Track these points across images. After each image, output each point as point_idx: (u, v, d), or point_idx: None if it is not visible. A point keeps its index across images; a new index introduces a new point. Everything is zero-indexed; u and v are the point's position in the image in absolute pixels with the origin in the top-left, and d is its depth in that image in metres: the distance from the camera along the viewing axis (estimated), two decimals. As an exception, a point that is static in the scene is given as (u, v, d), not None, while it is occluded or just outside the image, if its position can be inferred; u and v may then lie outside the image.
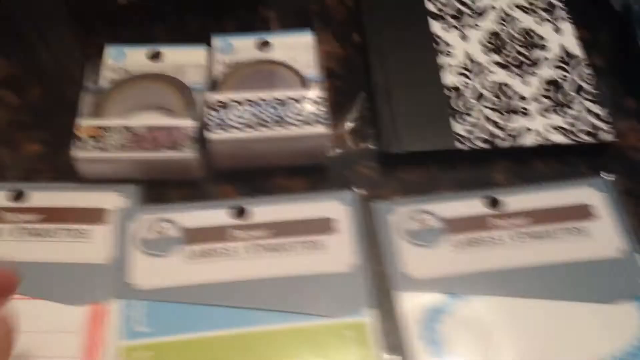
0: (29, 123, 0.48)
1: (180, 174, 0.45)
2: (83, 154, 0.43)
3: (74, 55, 0.52)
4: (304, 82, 0.47)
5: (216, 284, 0.41)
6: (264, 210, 0.44)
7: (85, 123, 0.44)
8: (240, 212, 0.44)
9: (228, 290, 0.41)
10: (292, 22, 0.54)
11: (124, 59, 0.49)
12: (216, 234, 0.43)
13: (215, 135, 0.44)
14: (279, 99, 0.45)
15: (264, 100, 0.45)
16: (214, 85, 0.46)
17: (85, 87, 0.47)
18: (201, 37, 0.52)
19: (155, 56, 0.49)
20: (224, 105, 0.45)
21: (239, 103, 0.45)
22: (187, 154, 0.44)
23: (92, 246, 0.42)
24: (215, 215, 0.44)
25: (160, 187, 0.46)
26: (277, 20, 0.54)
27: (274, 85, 0.46)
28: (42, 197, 0.43)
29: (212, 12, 0.54)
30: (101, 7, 0.52)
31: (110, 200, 0.44)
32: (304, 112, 0.44)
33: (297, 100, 0.45)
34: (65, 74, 0.51)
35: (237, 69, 0.47)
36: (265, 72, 0.47)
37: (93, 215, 0.43)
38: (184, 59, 0.49)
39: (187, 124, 0.44)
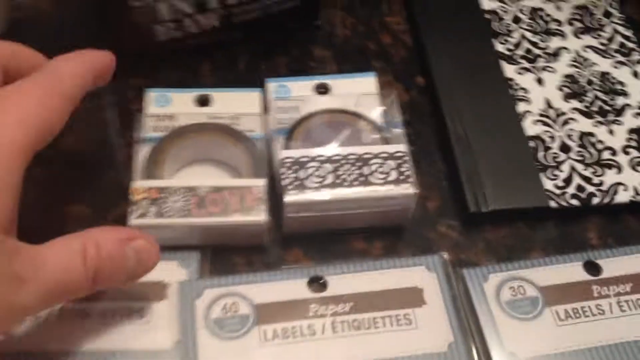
0: (67, 179, 0.42)
1: (248, 240, 0.39)
2: (140, 221, 0.37)
3: (110, 99, 0.46)
4: (381, 135, 0.41)
5: (298, 371, 0.36)
6: (342, 280, 0.39)
7: (140, 184, 0.38)
8: (316, 283, 0.39)
9: (312, 378, 0.36)
10: (349, 62, 0.50)
11: (169, 105, 0.43)
12: (292, 310, 0.37)
13: (292, 197, 0.38)
14: (359, 155, 0.40)
15: (343, 156, 0.40)
16: (286, 139, 0.41)
17: (136, 139, 0.41)
18: (251, 77, 0.48)
19: (204, 102, 0.44)
20: (299, 163, 0.39)
21: (316, 160, 0.39)
22: (260, 218, 0.38)
23: (153, 328, 0.36)
24: (289, 287, 0.38)
25: (223, 253, 0.40)
26: (333, 60, 0.49)
27: (348, 138, 0.41)
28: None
29: (261, 50, 0.49)
30: (139, 45, 0.47)
31: (169, 271, 0.38)
32: (388, 169, 0.39)
33: (378, 157, 0.40)
34: (101, 121, 0.45)
35: (305, 120, 0.42)
36: (337, 123, 0.42)
37: (152, 291, 0.37)
38: (236, 104, 0.44)
39: (258, 183, 0.39)
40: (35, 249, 0.30)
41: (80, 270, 0.30)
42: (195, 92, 0.44)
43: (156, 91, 0.44)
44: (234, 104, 0.44)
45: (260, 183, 0.39)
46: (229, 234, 0.39)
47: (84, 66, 0.35)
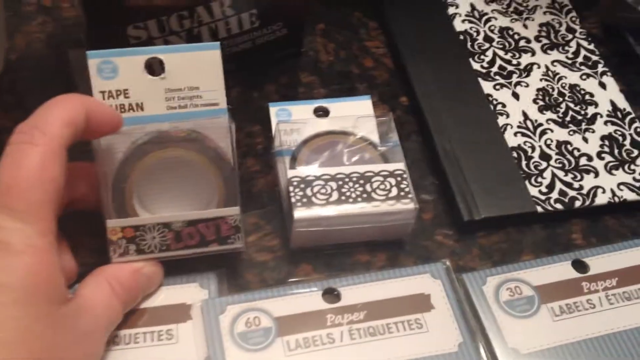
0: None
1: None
2: (122, 259, 0.38)
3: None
4: (381, 154, 0.44)
5: (321, 378, 0.38)
6: (354, 290, 0.41)
7: (115, 224, 0.38)
8: (330, 294, 0.41)
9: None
10: (335, 85, 0.52)
11: (117, 75, 0.39)
12: (310, 320, 0.39)
13: (301, 213, 0.41)
14: (361, 174, 0.42)
15: (346, 175, 0.42)
16: (292, 159, 0.43)
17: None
18: (244, 104, 0.50)
19: (155, 67, 0.39)
20: (305, 182, 0.42)
21: (322, 179, 0.42)
22: (237, 245, 0.40)
23: (182, 347, 0.38)
24: (305, 299, 0.40)
25: (237, 272, 0.42)
26: (320, 85, 0.52)
27: (349, 158, 0.44)
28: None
29: (252, 79, 0.52)
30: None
31: (191, 293, 0.40)
32: (389, 186, 0.42)
33: (379, 174, 0.42)
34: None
35: (308, 141, 0.44)
36: (338, 144, 0.44)
37: (176, 312, 0.39)
38: (194, 69, 0.40)
39: (232, 212, 0.39)
40: (83, 300, 0.35)
41: (116, 305, 0.36)
42: (143, 55, 0.39)
43: (98, 55, 0.39)
44: (191, 69, 0.40)
45: (235, 212, 0.39)
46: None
47: (73, 111, 0.34)
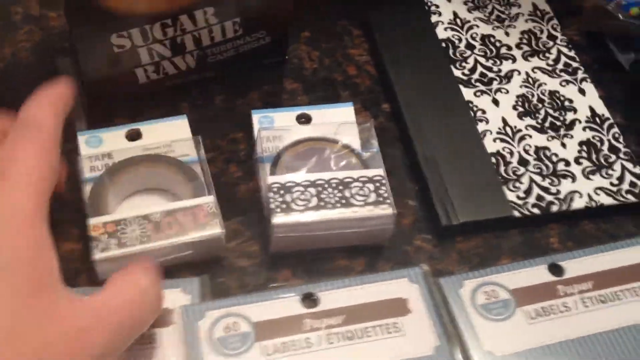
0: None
1: (207, 254, 0.43)
2: (104, 254, 0.40)
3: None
4: (360, 160, 0.45)
5: (298, 381, 0.39)
6: (333, 295, 0.42)
7: (97, 220, 0.41)
8: (309, 299, 0.42)
9: (311, 387, 0.38)
10: (318, 92, 0.53)
11: (102, 144, 0.45)
12: (288, 325, 0.40)
13: (280, 219, 0.41)
14: (340, 179, 0.43)
15: (326, 181, 0.43)
16: (272, 166, 0.44)
17: (82, 180, 0.43)
18: (228, 111, 0.51)
19: (135, 136, 0.46)
20: (285, 188, 0.42)
21: (301, 185, 0.43)
22: (216, 231, 0.41)
23: (162, 351, 0.38)
24: (284, 304, 0.41)
25: (218, 278, 0.43)
26: (303, 92, 0.53)
27: (330, 164, 0.45)
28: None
29: (236, 86, 0.52)
30: (122, 88, 0.49)
31: (173, 298, 0.40)
32: (367, 192, 0.43)
33: (358, 180, 0.43)
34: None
35: (289, 148, 0.45)
36: (319, 150, 0.45)
37: (159, 317, 0.39)
38: (166, 133, 0.46)
39: (208, 200, 0.42)
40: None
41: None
42: (125, 129, 0.46)
43: (85, 133, 0.46)
44: (164, 133, 0.46)
45: (210, 200, 0.42)
46: (189, 252, 0.42)
47: (56, 106, 0.37)
